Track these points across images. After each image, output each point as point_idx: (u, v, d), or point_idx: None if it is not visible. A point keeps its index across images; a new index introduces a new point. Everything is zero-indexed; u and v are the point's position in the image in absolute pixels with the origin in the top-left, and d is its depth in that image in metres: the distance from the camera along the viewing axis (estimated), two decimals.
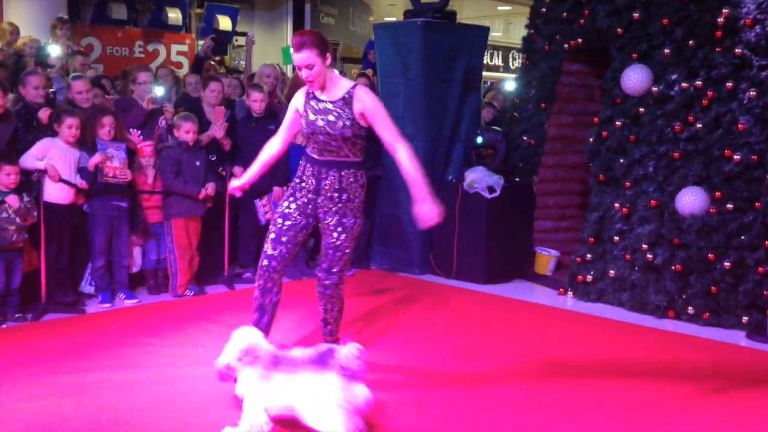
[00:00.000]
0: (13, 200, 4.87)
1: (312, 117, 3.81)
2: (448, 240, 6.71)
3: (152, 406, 3.61)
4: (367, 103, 3.75)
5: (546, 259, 6.66)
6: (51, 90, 5.66)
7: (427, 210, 3.67)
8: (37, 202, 5.10)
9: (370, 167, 6.92)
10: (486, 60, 14.32)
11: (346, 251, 3.90)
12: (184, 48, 11.31)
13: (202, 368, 4.13)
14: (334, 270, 3.93)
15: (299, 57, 3.66)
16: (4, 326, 4.88)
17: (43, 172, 5.11)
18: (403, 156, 3.76)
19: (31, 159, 5.11)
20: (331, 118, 3.75)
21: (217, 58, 9.70)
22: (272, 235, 3.93)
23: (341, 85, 3.81)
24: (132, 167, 5.58)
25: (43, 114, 5.36)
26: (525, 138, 7.05)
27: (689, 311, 5.37)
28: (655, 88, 5.72)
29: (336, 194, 3.82)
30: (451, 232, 6.68)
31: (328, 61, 3.73)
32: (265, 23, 13.94)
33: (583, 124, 6.67)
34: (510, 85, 8.67)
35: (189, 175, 5.73)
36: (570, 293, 6.17)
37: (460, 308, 5.77)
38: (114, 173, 5.38)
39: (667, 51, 5.67)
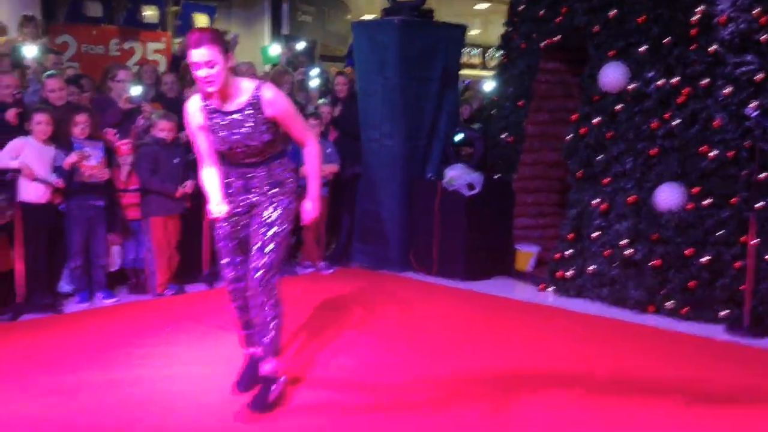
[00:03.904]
0: None
1: (223, 133, 3.43)
2: (428, 237, 6.72)
3: (131, 406, 3.57)
4: (278, 108, 3.42)
5: (526, 255, 6.69)
6: (17, 91, 5.56)
7: (310, 208, 3.65)
8: (13, 202, 5.02)
9: (348, 165, 6.97)
10: (464, 58, 14.34)
11: (279, 230, 3.51)
12: (161, 46, 11.17)
13: (181, 368, 4.10)
14: (267, 250, 3.47)
15: (198, 53, 3.21)
16: None
17: (18, 171, 5.04)
18: (310, 152, 3.63)
19: (4, 158, 5.04)
20: (245, 129, 3.40)
21: None
22: (226, 259, 3.64)
23: (244, 88, 3.41)
24: (110, 166, 5.52)
25: (10, 114, 5.27)
26: (503, 136, 7.08)
27: (668, 306, 5.43)
28: (631, 86, 5.77)
29: (268, 188, 3.56)
30: (431, 229, 6.69)
31: (231, 63, 3.36)
32: (243, 21, 13.84)
33: (561, 122, 6.70)
34: (488, 86, 8.68)
35: (166, 172, 5.68)
36: (550, 289, 6.21)
37: (441, 305, 5.78)
38: (91, 172, 5.32)
39: (643, 48, 5.72)
